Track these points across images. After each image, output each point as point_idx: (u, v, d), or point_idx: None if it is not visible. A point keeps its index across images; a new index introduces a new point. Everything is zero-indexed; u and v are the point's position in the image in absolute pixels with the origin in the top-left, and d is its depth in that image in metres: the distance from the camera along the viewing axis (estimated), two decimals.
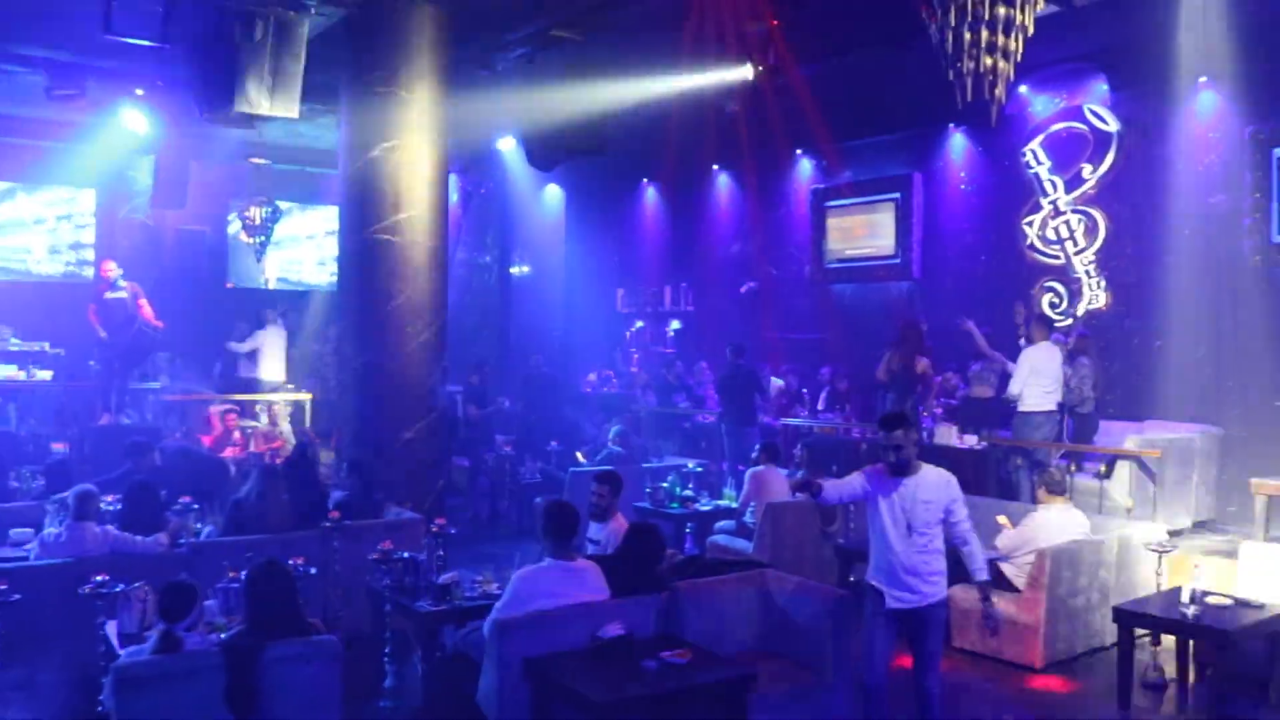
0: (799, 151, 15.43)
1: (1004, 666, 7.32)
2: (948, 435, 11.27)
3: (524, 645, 5.25)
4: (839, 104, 13.45)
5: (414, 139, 9.40)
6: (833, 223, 15.23)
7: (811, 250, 15.48)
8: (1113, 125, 11.82)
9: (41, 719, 6.18)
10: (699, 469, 10.96)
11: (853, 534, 8.94)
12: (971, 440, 11.10)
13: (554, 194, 17.85)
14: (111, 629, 5.79)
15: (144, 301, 13.68)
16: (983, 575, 5.55)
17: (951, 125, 13.56)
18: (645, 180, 17.77)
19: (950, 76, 5.72)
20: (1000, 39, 5.36)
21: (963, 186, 13.64)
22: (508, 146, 15.13)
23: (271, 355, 14.99)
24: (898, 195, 14.29)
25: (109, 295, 13.42)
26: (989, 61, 5.46)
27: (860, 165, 14.91)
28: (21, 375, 14.26)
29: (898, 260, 14.29)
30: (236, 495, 7.95)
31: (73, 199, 16.83)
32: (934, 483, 5.46)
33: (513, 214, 17.99)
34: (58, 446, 11.91)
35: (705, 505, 10.01)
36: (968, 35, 5.40)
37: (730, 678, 5.16)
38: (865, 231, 14.75)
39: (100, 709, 5.34)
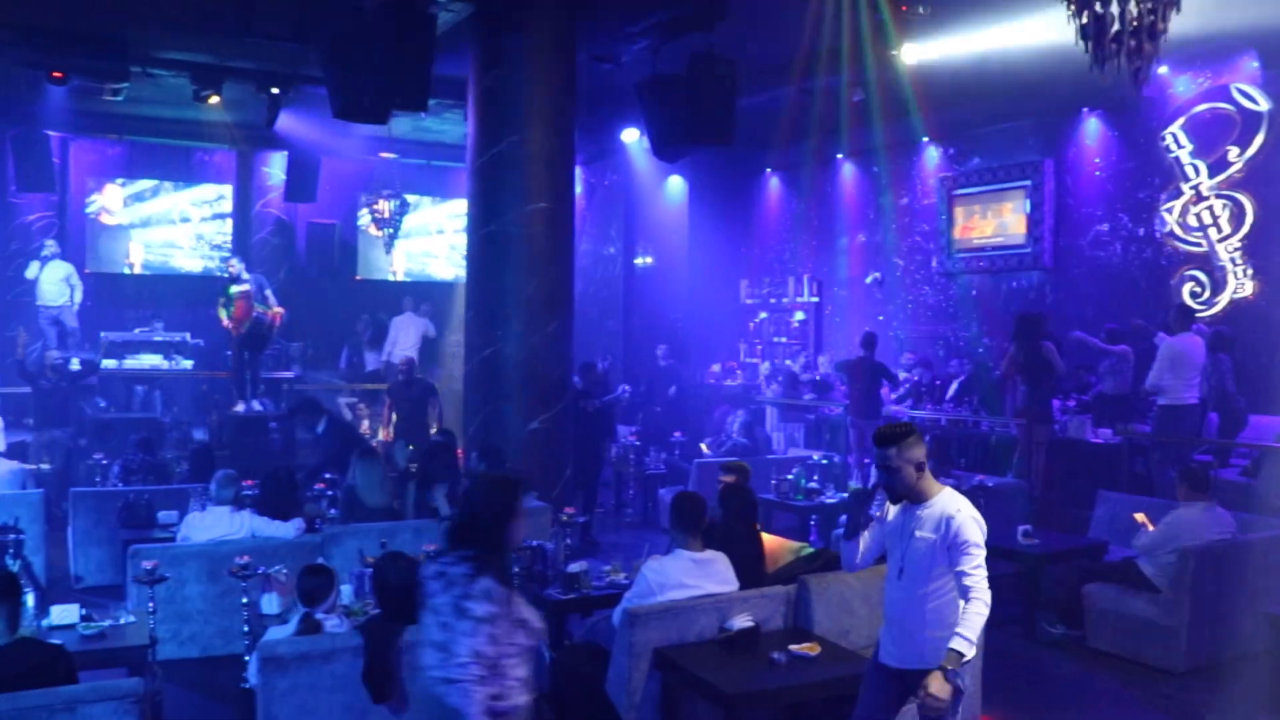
0: (925, 139, 15.13)
1: (1143, 670, 7.08)
2: (1080, 429, 10.97)
3: (654, 635, 5.27)
4: (968, 88, 13.12)
5: (540, 132, 9.48)
6: (960, 211, 14.91)
7: (939, 239, 15.19)
8: (1263, 104, 11.28)
9: (189, 694, 6.44)
10: (824, 461, 10.85)
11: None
12: (1105, 434, 10.78)
13: (677, 185, 17.85)
14: (253, 609, 6.00)
15: (268, 293, 14.10)
16: (961, 648, 4.07)
17: (1085, 109, 13.13)
18: (769, 170, 17.65)
19: (1090, 58, 5.51)
20: (1145, 17, 5.15)
21: (1097, 173, 13.20)
22: (631, 138, 15.18)
23: (405, 343, 15.34)
24: (1028, 182, 13.92)
25: (234, 289, 13.88)
26: (1132, 42, 5.25)
27: (989, 152, 14.56)
28: (166, 364, 14.87)
29: (1028, 249, 13.92)
30: (348, 481, 8.18)
31: (212, 195, 17.45)
32: (938, 517, 4.24)
33: (636, 205, 18.04)
34: (199, 433, 12.43)
35: (830, 498, 9.91)
36: (1111, 12, 5.20)
37: (859, 673, 5.09)
38: (994, 220, 14.40)
39: (244, 685, 5.53)
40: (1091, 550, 8.15)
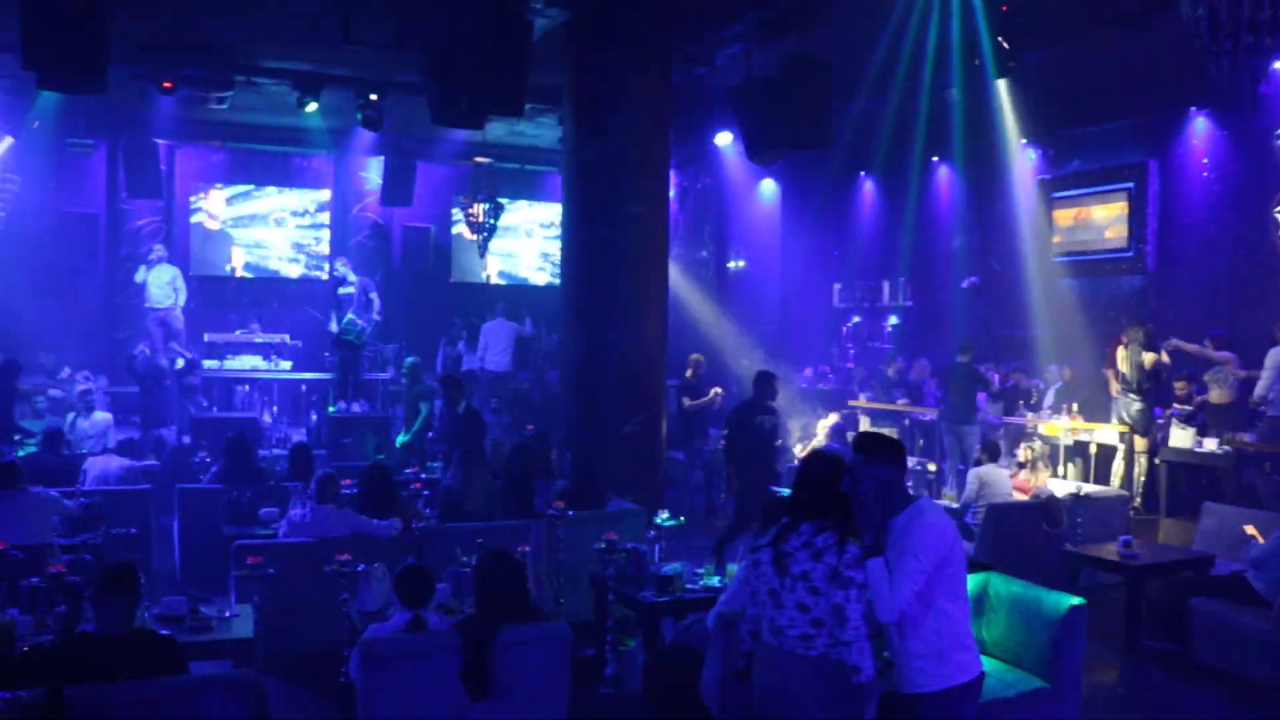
0: (1024, 141, 14.85)
1: (1251, 687, 6.82)
2: (1185, 439, 10.67)
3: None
4: (1068, 89, 12.85)
5: (634, 136, 9.52)
6: (1059, 214, 14.63)
7: (1036, 243, 14.89)
8: None
9: (290, 687, 6.57)
10: (917, 467, 10.70)
11: (1081, 536, 8.59)
12: (1211, 444, 10.47)
13: (769, 188, 17.78)
14: (353, 606, 6.10)
15: (373, 295, 14.35)
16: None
17: (1193, 108, 12.75)
18: (863, 173, 17.48)
19: (1205, 57, 5.34)
20: (1267, 11, 4.98)
21: (1205, 174, 12.83)
22: (725, 141, 15.16)
23: (495, 347, 15.51)
24: (1131, 184, 13.59)
25: (341, 291, 14.17)
26: (1250, 37, 5.09)
27: (1090, 153, 14.24)
28: (265, 365, 15.21)
29: (1130, 253, 13.59)
30: (445, 482, 8.27)
31: (310, 199, 17.83)
32: (899, 530, 4.01)
33: (729, 208, 18.01)
34: (297, 433, 12.70)
35: None
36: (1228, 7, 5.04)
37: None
38: (1095, 223, 14.09)
39: (342, 680, 5.62)
40: (1197, 563, 7.93)
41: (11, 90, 12.90)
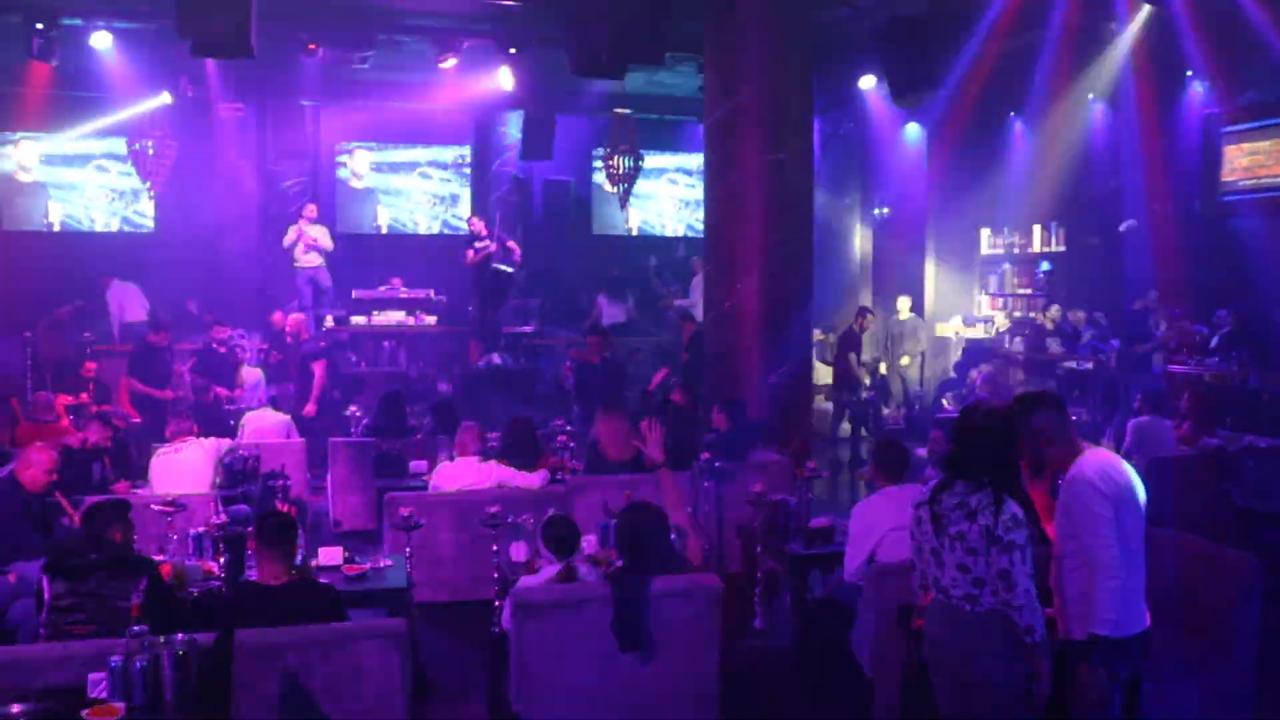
0: (1189, 73, 14.02)
1: None
2: None
3: (901, 592, 5.11)
4: (1241, 14, 12.01)
5: (777, 82, 9.34)
6: (1230, 151, 13.77)
7: (1202, 183, 14.09)
8: None
9: (442, 637, 6.70)
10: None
11: (1254, 491, 8.15)
12: None
13: (914, 132, 17.26)
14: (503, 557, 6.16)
15: (512, 244, 14.48)
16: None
17: None
18: (1012, 114, 16.79)
19: None
20: None
21: None
22: (869, 85, 14.74)
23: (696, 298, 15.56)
24: None
25: (478, 244, 14.34)
26: None
27: (1267, 83, 13.30)
28: (410, 320, 15.50)
29: None
30: (592, 436, 8.28)
31: (451, 155, 18.05)
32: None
33: (873, 154, 17.57)
34: (443, 386, 12.91)
35: None
36: None
37: None
38: (1272, 159, 13.23)
39: (495, 630, 5.68)
40: None
41: (172, 57, 13.27)
